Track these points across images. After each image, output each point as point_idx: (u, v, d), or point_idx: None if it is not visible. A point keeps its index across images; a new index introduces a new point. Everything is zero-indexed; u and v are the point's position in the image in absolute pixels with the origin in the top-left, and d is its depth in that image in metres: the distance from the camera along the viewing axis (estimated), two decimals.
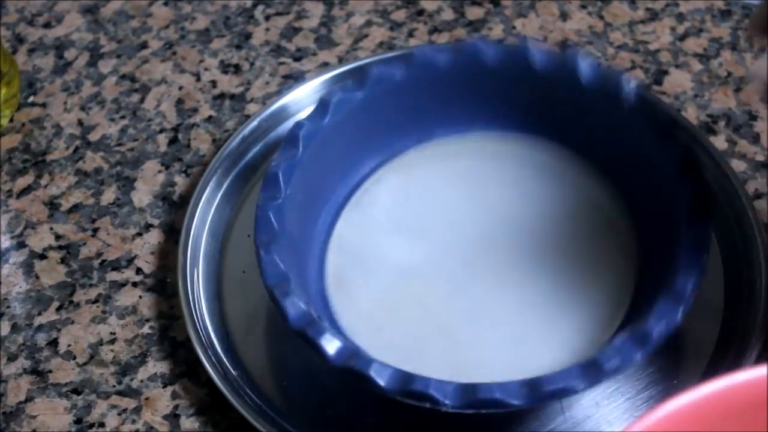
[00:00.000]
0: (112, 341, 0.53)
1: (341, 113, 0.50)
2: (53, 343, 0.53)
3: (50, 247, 0.57)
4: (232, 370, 0.50)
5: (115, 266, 0.56)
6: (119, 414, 0.50)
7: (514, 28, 0.65)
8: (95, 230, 0.58)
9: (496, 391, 0.42)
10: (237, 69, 0.66)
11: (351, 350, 0.44)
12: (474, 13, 0.67)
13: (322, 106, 0.51)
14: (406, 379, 0.43)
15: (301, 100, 0.60)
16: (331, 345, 0.44)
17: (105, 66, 0.67)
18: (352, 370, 0.43)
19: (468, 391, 0.42)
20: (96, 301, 0.55)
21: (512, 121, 0.53)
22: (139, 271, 0.56)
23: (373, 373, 0.42)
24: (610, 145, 0.51)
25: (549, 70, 0.51)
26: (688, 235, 0.45)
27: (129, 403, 0.51)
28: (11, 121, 0.63)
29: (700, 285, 0.44)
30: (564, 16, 0.65)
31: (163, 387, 0.51)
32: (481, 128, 0.54)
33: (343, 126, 0.51)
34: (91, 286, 0.55)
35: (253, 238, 0.47)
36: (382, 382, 0.42)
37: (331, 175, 0.52)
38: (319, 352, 0.43)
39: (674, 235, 0.46)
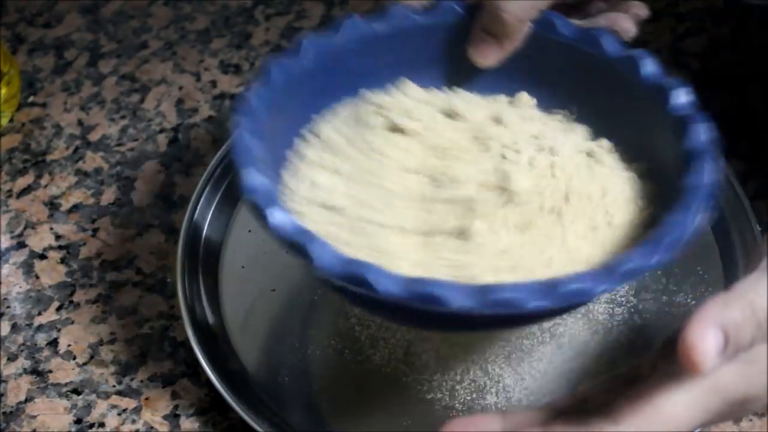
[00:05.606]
0: (112, 341, 0.53)
1: (313, 56, 0.48)
2: (53, 343, 0.53)
3: (50, 247, 0.57)
4: (232, 371, 0.50)
5: (115, 266, 0.56)
6: (119, 414, 0.50)
7: None
8: (95, 230, 0.58)
9: (512, 291, 0.38)
10: (237, 69, 0.66)
11: (345, 257, 0.39)
12: None
13: (296, 47, 0.48)
14: (414, 283, 0.38)
15: None
16: (323, 253, 0.39)
17: (105, 66, 0.67)
18: (352, 276, 0.39)
19: (482, 292, 0.38)
20: (96, 301, 0.55)
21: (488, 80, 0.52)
22: (139, 271, 0.56)
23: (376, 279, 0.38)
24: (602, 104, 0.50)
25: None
26: (699, 162, 0.44)
27: (129, 403, 0.51)
28: (11, 121, 0.63)
29: (711, 204, 0.42)
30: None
31: (163, 387, 0.51)
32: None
33: (314, 70, 0.48)
34: (91, 286, 0.55)
35: (231, 154, 0.44)
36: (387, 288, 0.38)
37: (301, 109, 0.49)
38: (310, 259, 0.39)
39: (686, 163, 0.45)
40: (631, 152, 0.48)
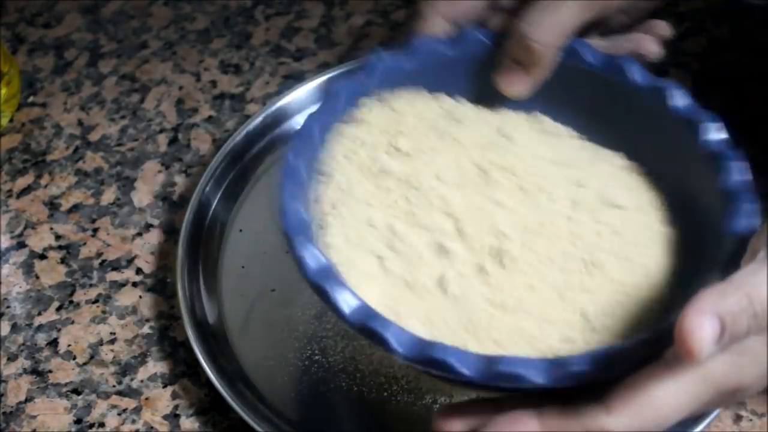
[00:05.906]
0: (112, 341, 0.53)
1: (345, 101, 0.49)
2: (53, 343, 0.53)
3: (50, 247, 0.57)
4: (232, 371, 0.50)
5: (115, 266, 0.56)
6: (119, 414, 0.50)
7: None
8: (95, 230, 0.58)
9: (520, 367, 0.38)
10: (237, 69, 0.66)
11: (368, 311, 0.40)
12: None
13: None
14: (424, 346, 0.39)
15: (301, 100, 0.60)
16: (347, 302, 0.40)
17: (105, 66, 0.67)
18: (369, 331, 0.40)
19: (490, 363, 0.39)
20: (96, 301, 0.55)
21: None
22: (139, 271, 0.56)
23: (390, 337, 0.40)
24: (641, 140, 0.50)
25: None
26: (736, 207, 0.43)
27: (129, 403, 0.51)
28: (11, 121, 0.63)
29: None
30: None
31: (163, 387, 0.51)
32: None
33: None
34: (91, 286, 0.55)
35: (280, 183, 0.44)
36: (400, 349, 0.39)
37: None
38: (335, 309, 0.41)
39: (721, 205, 0.44)
40: (659, 184, 0.48)
